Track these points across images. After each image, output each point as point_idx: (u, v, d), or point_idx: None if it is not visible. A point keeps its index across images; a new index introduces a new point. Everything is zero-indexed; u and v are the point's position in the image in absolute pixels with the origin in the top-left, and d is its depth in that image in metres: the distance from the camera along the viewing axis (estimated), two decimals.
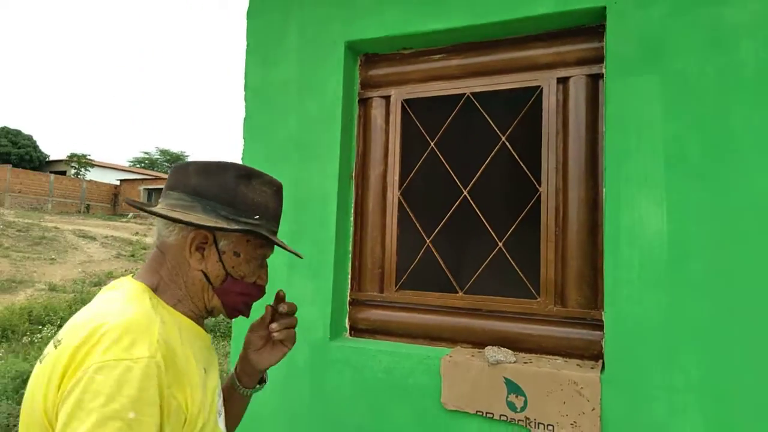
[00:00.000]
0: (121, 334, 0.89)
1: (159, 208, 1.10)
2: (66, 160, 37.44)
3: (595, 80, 1.91)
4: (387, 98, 2.24)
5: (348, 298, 2.23)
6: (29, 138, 37.00)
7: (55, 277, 14.58)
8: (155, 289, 1.08)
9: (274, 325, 1.24)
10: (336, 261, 2.15)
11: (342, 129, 2.18)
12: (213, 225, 1.06)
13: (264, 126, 2.31)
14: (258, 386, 1.37)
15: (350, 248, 2.24)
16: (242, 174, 1.13)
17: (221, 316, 1.19)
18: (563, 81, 1.95)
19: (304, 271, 2.17)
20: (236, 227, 1.07)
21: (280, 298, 1.29)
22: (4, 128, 36.12)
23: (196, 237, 1.09)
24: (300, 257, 1.23)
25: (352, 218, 2.25)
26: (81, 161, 36.30)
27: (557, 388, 1.72)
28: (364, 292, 2.22)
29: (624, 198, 1.72)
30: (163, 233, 1.11)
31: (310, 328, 2.13)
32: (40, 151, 37.72)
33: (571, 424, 1.69)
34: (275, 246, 1.19)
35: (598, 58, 1.89)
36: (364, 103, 2.29)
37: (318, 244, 2.16)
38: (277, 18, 2.32)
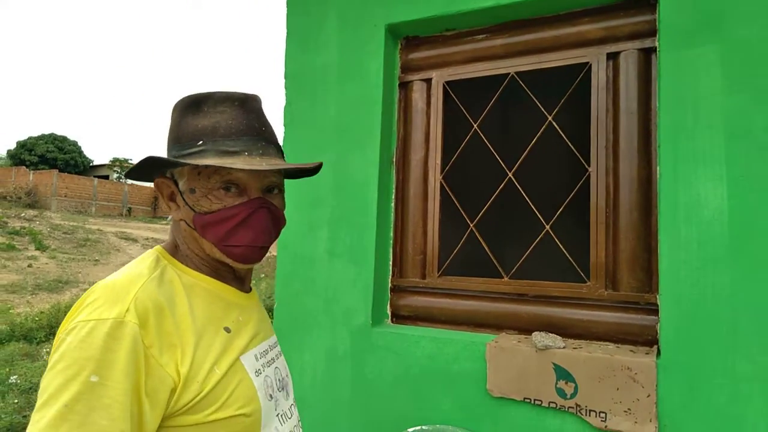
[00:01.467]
0: (98, 296, 0.85)
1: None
2: (109, 165, 38.59)
3: (647, 54, 1.83)
4: (428, 81, 2.20)
5: (389, 285, 2.19)
6: (74, 143, 38.26)
7: (99, 278, 15.01)
8: (175, 250, 1.02)
9: None
10: (377, 247, 2.12)
11: (383, 113, 2.15)
12: (138, 168, 0.95)
13: (304, 112, 2.30)
14: None
15: (391, 234, 2.21)
16: (190, 102, 0.99)
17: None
18: (613, 56, 1.88)
19: (345, 256, 2.15)
20: (141, 162, 0.93)
21: None
22: (51, 135, 37.45)
23: (161, 188, 1.01)
24: (261, 169, 0.93)
25: (393, 204, 2.22)
26: (123, 165, 37.36)
27: (610, 374, 1.64)
28: (406, 278, 2.18)
29: (681, 176, 1.64)
30: None
31: (351, 314, 2.10)
32: (84, 156, 38.93)
33: (625, 411, 1.62)
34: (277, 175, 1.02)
35: (651, 31, 1.81)
36: (405, 86, 2.25)
37: (359, 230, 2.13)
38: (316, 3, 2.31)
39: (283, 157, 1.05)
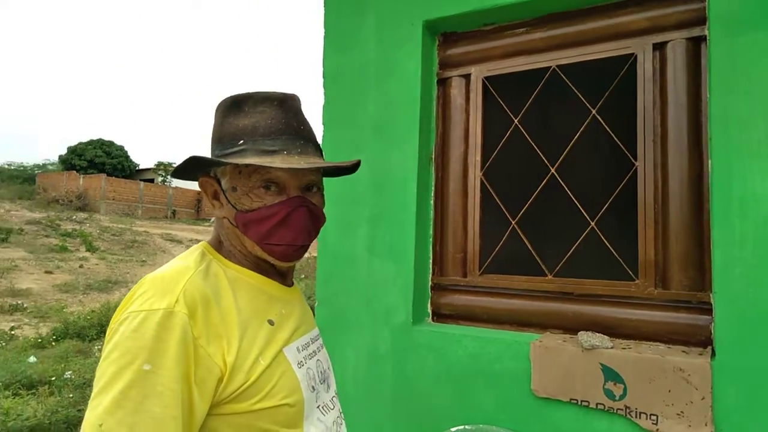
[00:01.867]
0: (148, 288, 0.89)
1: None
2: (154, 168, 39.71)
3: (696, 44, 1.76)
4: (467, 77, 2.18)
5: (430, 283, 2.17)
6: (121, 148, 39.53)
7: None
8: (219, 246, 1.05)
9: None
10: (417, 245, 2.10)
11: (421, 111, 2.14)
12: (182, 168, 0.99)
13: (342, 111, 2.30)
14: None
15: (431, 232, 2.19)
16: (231, 103, 1.02)
17: None
18: (660, 47, 1.81)
19: (384, 255, 2.14)
20: (180, 162, 0.97)
21: None
22: (98, 140, 38.80)
23: (205, 186, 1.05)
24: (299, 167, 0.96)
25: (432, 201, 2.20)
26: (167, 169, 38.36)
27: (661, 375, 1.59)
28: (447, 276, 2.16)
29: (734, 169, 1.57)
30: None
31: (392, 313, 2.09)
32: (130, 161, 40.18)
33: (678, 414, 1.56)
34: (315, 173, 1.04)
35: (699, 20, 1.74)
36: (443, 83, 2.23)
37: (398, 228, 2.12)
38: (353, 2, 2.30)
39: (322, 155, 1.07)
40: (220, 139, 1.02)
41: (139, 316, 0.84)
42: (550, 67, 1.99)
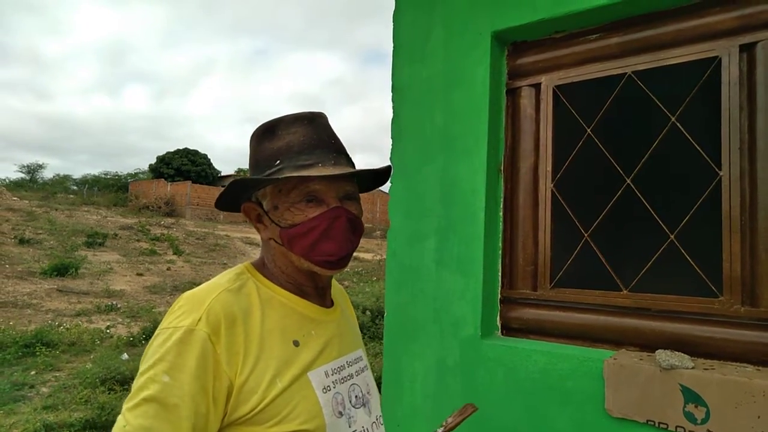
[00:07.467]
0: (180, 306, 0.95)
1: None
2: (234, 175, 41.44)
3: None
4: (537, 86, 2.13)
5: (499, 296, 2.14)
6: (204, 156, 41.61)
7: None
8: (262, 266, 1.09)
9: None
10: (485, 257, 2.08)
11: (489, 121, 2.11)
12: (226, 194, 1.07)
13: (410, 124, 2.32)
14: None
15: (500, 244, 2.16)
16: (265, 129, 1.07)
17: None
18: (747, 48, 1.70)
19: (452, 267, 2.13)
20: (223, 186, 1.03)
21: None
22: (184, 149, 41.04)
23: (248, 212, 1.09)
24: (336, 174, 1.00)
25: (501, 213, 2.17)
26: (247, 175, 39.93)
27: (748, 400, 1.49)
28: (516, 289, 2.12)
29: None
30: None
31: (460, 326, 2.08)
32: (213, 168, 42.22)
33: None
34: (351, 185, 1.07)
35: None
36: (513, 93, 2.20)
37: (466, 240, 2.11)
38: (422, 15, 2.32)
39: (354, 165, 1.10)
40: (257, 164, 1.06)
41: (166, 333, 0.92)
42: (626, 73, 1.92)
